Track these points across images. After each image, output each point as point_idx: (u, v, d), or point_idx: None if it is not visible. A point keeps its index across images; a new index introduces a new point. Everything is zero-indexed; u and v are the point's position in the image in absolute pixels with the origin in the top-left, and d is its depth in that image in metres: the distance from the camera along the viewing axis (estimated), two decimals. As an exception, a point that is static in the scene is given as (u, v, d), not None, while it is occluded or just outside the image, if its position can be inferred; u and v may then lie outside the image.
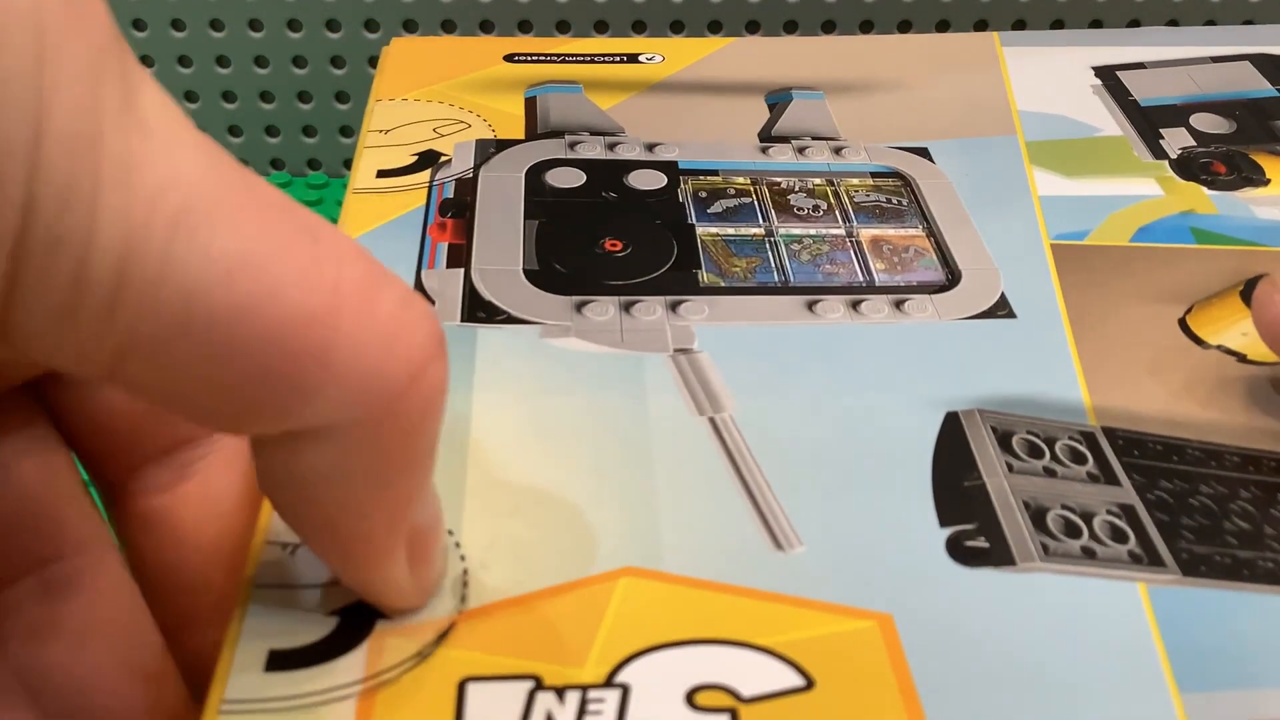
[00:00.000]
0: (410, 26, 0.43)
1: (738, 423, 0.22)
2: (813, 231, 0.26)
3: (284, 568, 0.19)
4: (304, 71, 0.44)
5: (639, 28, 0.44)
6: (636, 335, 0.24)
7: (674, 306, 0.24)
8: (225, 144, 0.45)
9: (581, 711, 0.18)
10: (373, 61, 0.44)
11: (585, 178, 0.27)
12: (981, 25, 0.44)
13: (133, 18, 0.43)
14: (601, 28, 0.44)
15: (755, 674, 0.18)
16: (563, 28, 0.44)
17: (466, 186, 0.27)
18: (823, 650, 0.19)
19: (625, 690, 0.18)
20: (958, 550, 0.20)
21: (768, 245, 0.26)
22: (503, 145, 0.28)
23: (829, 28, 0.44)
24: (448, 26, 0.44)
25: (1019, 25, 0.44)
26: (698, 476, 0.21)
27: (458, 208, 0.26)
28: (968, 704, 0.18)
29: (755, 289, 0.25)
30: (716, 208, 0.27)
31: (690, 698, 0.18)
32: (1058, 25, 0.44)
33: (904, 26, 0.44)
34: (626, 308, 0.24)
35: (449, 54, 0.32)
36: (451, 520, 0.20)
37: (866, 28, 0.44)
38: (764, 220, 0.27)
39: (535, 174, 0.27)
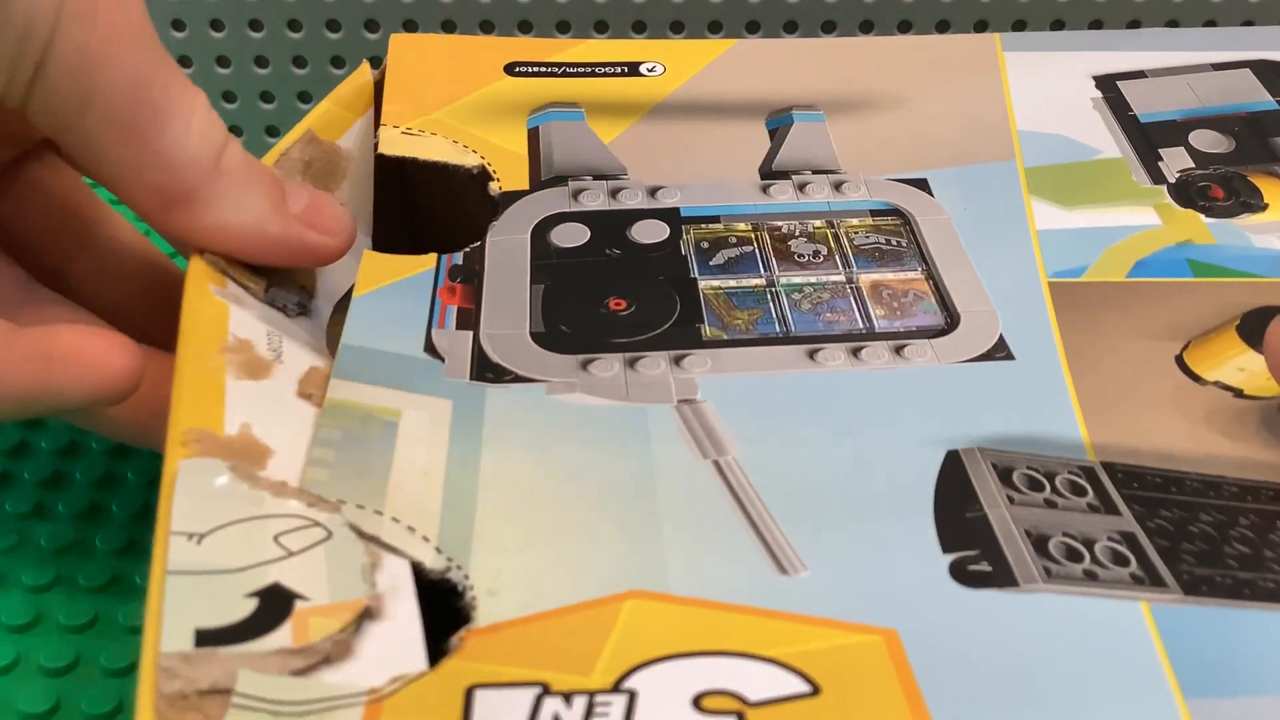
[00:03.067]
0: (410, 27, 0.43)
1: (741, 465, 0.22)
2: (813, 279, 0.27)
3: (194, 555, 0.20)
4: (304, 71, 0.44)
5: (639, 28, 0.44)
6: (641, 388, 0.24)
7: (677, 360, 0.25)
8: (226, 143, 0.45)
9: (589, 715, 0.18)
10: (374, 62, 0.44)
11: (589, 234, 0.28)
12: (982, 26, 0.44)
13: (132, 18, 0.43)
14: (601, 28, 0.44)
15: (762, 681, 0.19)
16: (563, 28, 0.44)
17: (475, 254, 0.27)
18: (829, 660, 0.19)
19: (632, 695, 0.18)
20: (961, 574, 0.21)
21: (769, 296, 0.27)
22: (508, 198, 0.28)
23: (829, 28, 0.44)
24: (448, 26, 0.43)
25: (1019, 26, 0.44)
26: (702, 512, 0.22)
27: (466, 273, 0.27)
28: (974, 710, 0.18)
29: (757, 340, 0.25)
30: (718, 259, 0.27)
31: (697, 702, 0.18)
32: (1058, 26, 0.44)
33: (904, 27, 0.44)
34: (631, 363, 0.25)
35: (450, 61, 0.32)
36: (459, 555, 0.21)
37: (866, 28, 0.44)
38: (765, 270, 0.27)
39: (540, 233, 0.28)
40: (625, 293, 0.26)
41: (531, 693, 0.18)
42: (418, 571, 0.20)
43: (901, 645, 0.19)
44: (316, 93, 0.44)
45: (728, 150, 0.30)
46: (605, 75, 0.32)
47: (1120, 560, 0.21)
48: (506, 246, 0.27)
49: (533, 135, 0.30)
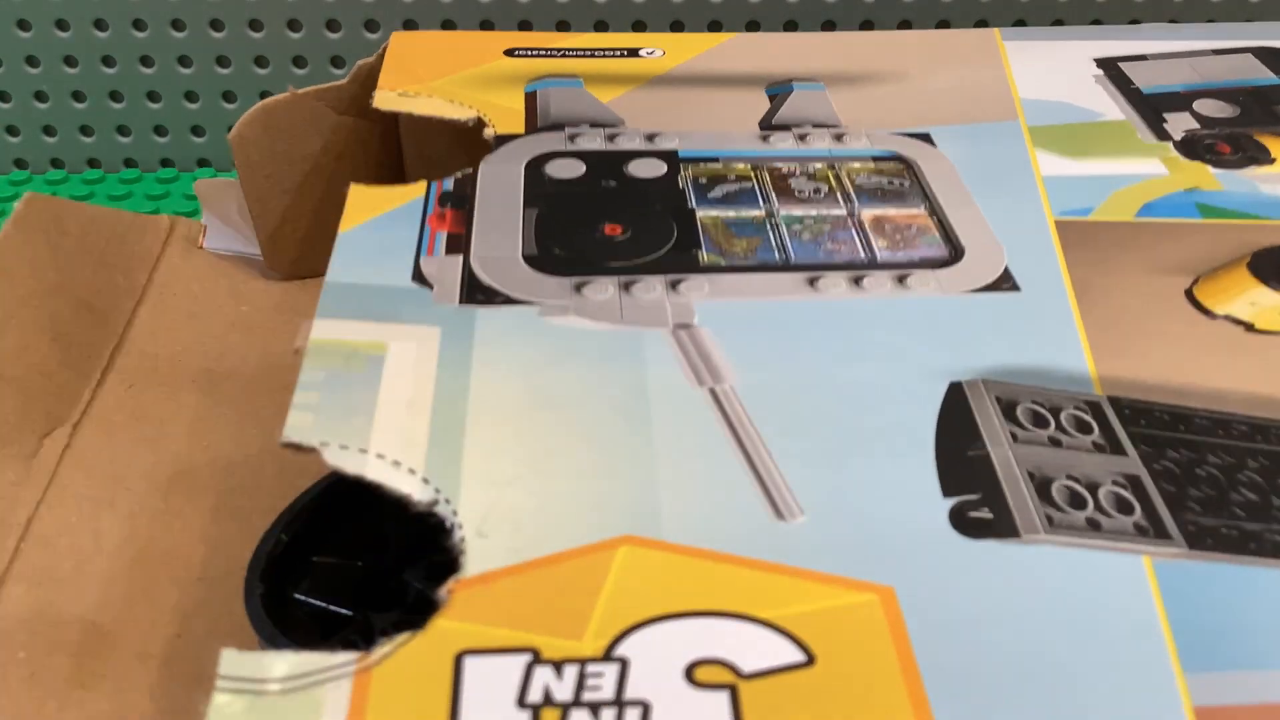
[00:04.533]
0: (410, 26, 0.43)
1: (738, 394, 0.22)
2: (814, 213, 0.26)
3: None
4: (304, 71, 0.44)
5: (639, 27, 0.44)
6: (636, 312, 0.23)
7: (674, 285, 0.24)
8: (224, 144, 0.45)
9: (580, 686, 0.17)
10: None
11: (585, 168, 0.27)
12: (982, 23, 0.44)
13: (133, 18, 0.43)
14: (601, 27, 0.44)
15: (755, 649, 0.18)
16: (562, 27, 0.44)
17: (466, 180, 0.27)
18: (824, 625, 0.18)
19: (624, 664, 0.18)
20: (961, 521, 0.20)
21: (768, 226, 0.26)
22: (502, 140, 0.28)
23: (829, 27, 0.44)
24: (447, 26, 0.43)
25: (1019, 24, 0.44)
26: (698, 445, 0.21)
27: (457, 199, 0.26)
28: (968, 680, 0.18)
29: (756, 266, 0.25)
30: (716, 193, 0.27)
31: (690, 673, 0.18)
32: (1058, 24, 0.44)
33: (904, 26, 0.44)
34: (626, 287, 0.24)
35: (449, 49, 0.32)
36: (447, 488, 0.20)
37: (866, 27, 0.44)
38: (764, 203, 0.27)
39: (535, 166, 0.27)
40: (621, 218, 0.26)
41: (522, 661, 0.18)
42: (405, 505, 0.20)
43: (898, 605, 0.19)
44: (316, 93, 0.44)
45: (727, 109, 0.30)
46: (604, 57, 0.32)
47: (1124, 507, 0.20)
48: (499, 174, 0.27)
49: (530, 99, 0.30)
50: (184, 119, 0.45)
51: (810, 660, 0.18)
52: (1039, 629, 0.18)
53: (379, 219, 0.26)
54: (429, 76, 0.31)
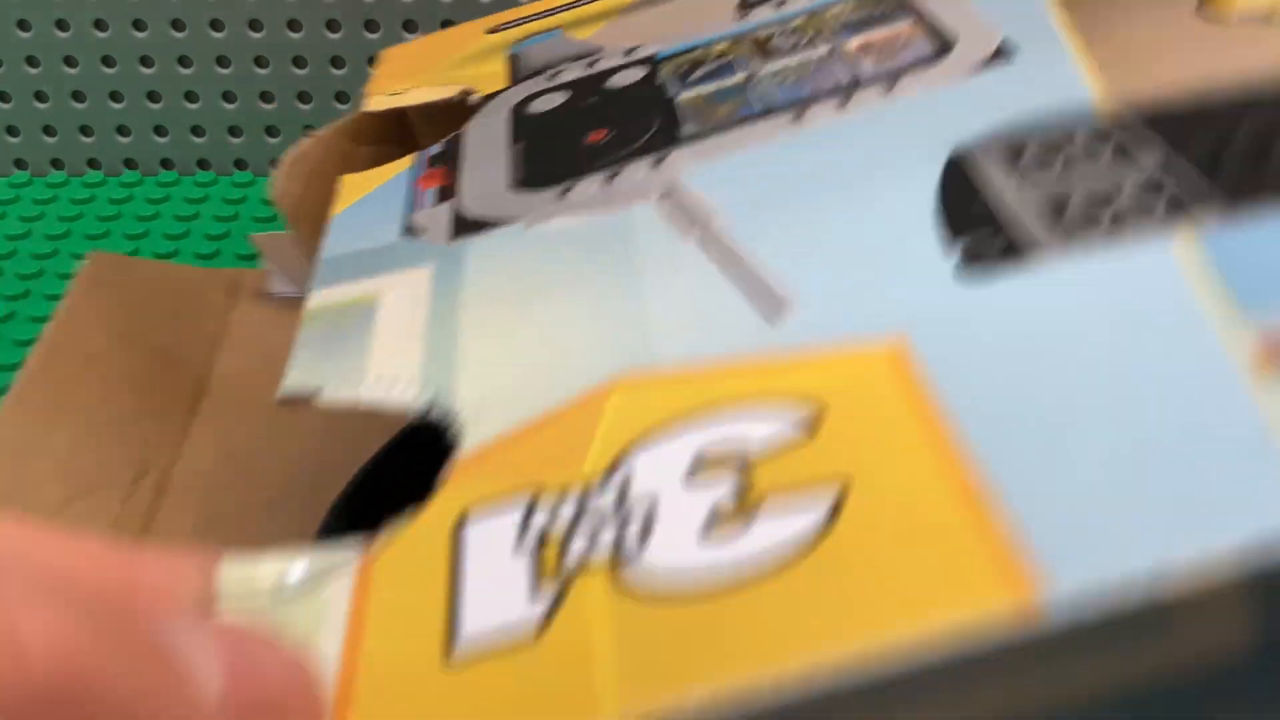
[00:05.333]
0: (410, 27, 0.43)
1: (729, 232, 0.21)
2: (795, 60, 0.25)
3: None
4: (304, 71, 0.44)
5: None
6: (621, 195, 0.23)
7: (657, 163, 0.23)
8: (226, 144, 0.45)
9: (581, 510, 0.16)
10: (373, 61, 0.44)
11: (568, 95, 0.27)
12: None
13: (133, 18, 0.43)
14: (602, 28, 0.44)
15: (759, 431, 0.17)
16: (563, 28, 0.44)
17: (454, 139, 0.27)
18: (831, 389, 0.17)
19: (626, 479, 0.17)
20: (974, 256, 0.18)
21: (748, 86, 0.25)
22: (489, 98, 0.28)
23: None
24: (447, 26, 0.43)
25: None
26: (688, 284, 0.20)
27: (445, 157, 0.26)
28: (1004, 418, 0.16)
29: (738, 121, 0.24)
30: (696, 75, 0.26)
31: (694, 470, 0.17)
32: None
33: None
34: (609, 179, 0.23)
35: (435, 46, 0.32)
36: (442, 392, 0.20)
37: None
38: (744, 69, 0.26)
39: (519, 108, 0.27)
40: (603, 125, 0.25)
41: (521, 505, 0.17)
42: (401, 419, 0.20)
43: (909, 355, 0.17)
44: (316, 93, 0.44)
45: (705, 11, 0.29)
46: (583, 5, 0.32)
47: (1152, 188, 0.18)
48: (486, 125, 0.27)
49: (513, 60, 0.30)
50: (184, 119, 0.45)
51: (818, 425, 0.16)
52: (1075, 351, 0.16)
53: (368, 196, 0.26)
54: (418, 71, 0.31)
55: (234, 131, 0.45)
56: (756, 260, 0.20)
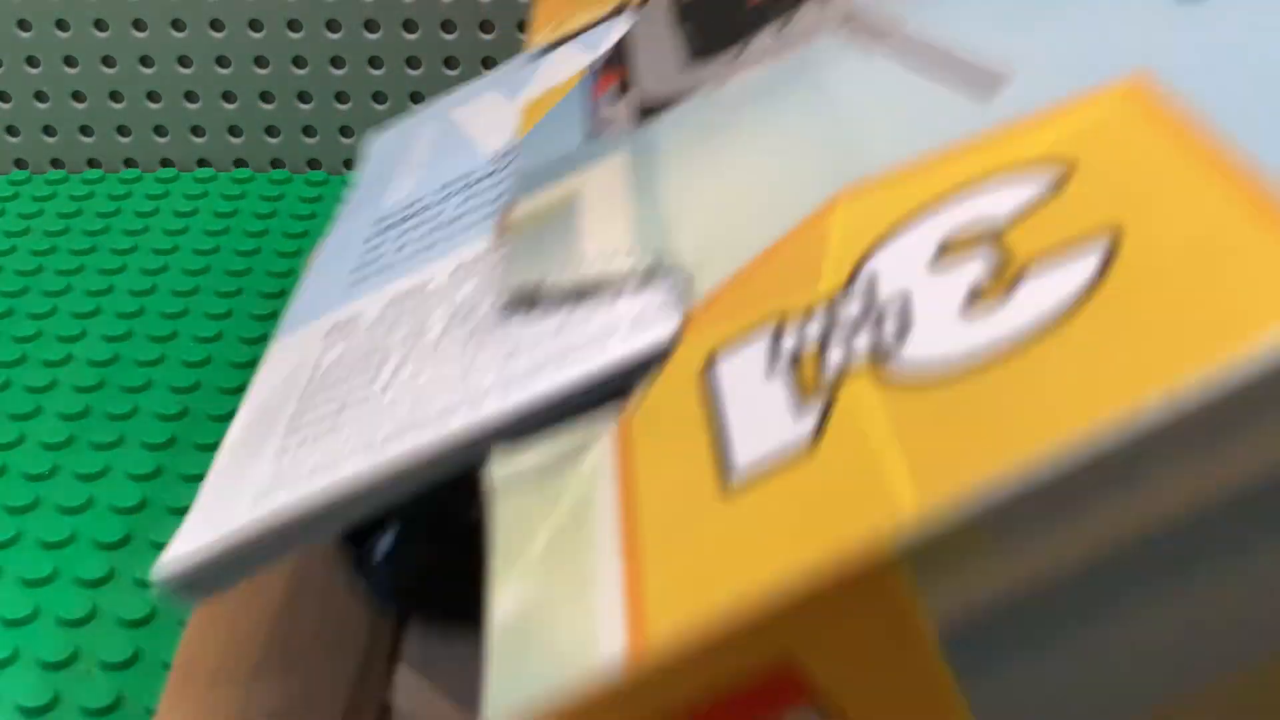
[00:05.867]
0: (410, 27, 0.43)
1: (923, 33, 0.20)
2: None
3: None
4: (304, 71, 0.44)
5: (639, 28, 0.44)
6: (796, 36, 0.22)
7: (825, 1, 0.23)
8: (225, 144, 0.45)
9: (830, 323, 0.16)
10: (373, 61, 0.44)
11: None
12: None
13: (134, 18, 0.43)
14: (601, 28, 0.44)
15: (1004, 201, 0.15)
16: (563, 28, 0.44)
17: (621, 41, 0.27)
18: (1074, 144, 0.15)
19: (870, 282, 0.16)
20: None
21: None
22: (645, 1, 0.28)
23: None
24: (447, 27, 0.43)
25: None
26: (884, 83, 0.19)
27: (616, 59, 0.26)
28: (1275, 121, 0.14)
29: None
30: None
31: (942, 256, 0.15)
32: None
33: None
34: (782, 28, 0.23)
35: None
36: (660, 251, 0.19)
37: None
38: None
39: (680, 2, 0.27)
40: None
41: (766, 334, 0.16)
42: (627, 283, 0.19)
43: (1154, 86, 0.15)
44: (316, 93, 0.44)
45: None
46: None
47: None
48: (648, 19, 0.27)
49: None
50: (184, 119, 0.45)
51: (1069, 180, 0.15)
52: None
53: (548, 115, 0.26)
54: (575, 4, 0.31)
55: (234, 131, 0.45)
56: (961, 48, 0.19)
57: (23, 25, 0.44)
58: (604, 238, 0.20)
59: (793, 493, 0.14)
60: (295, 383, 0.23)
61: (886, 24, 0.20)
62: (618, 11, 0.29)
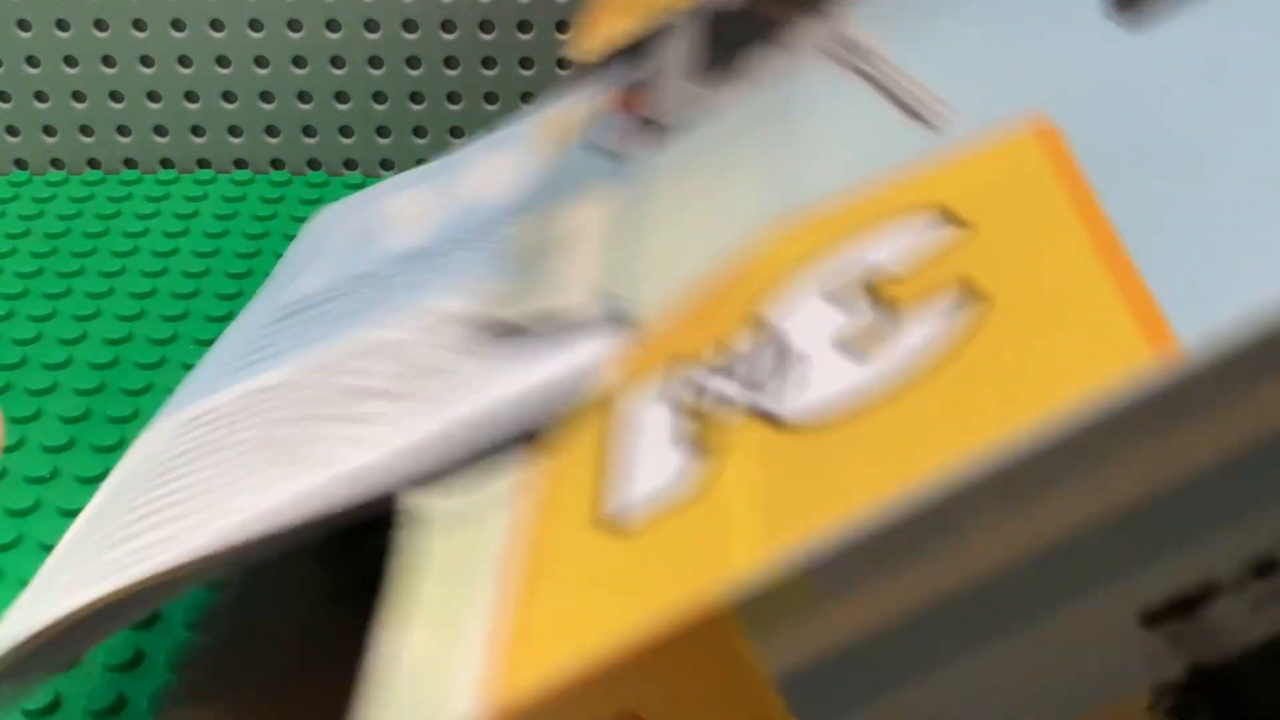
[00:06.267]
0: (410, 27, 0.43)
1: (880, 57, 0.20)
2: None
3: None
4: (304, 71, 0.44)
5: (639, 28, 0.44)
6: (793, 57, 0.22)
7: (826, 18, 0.22)
8: (225, 144, 0.45)
9: (728, 365, 0.16)
10: (373, 61, 0.44)
11: None
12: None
13: (134, 18, 0.43)
14: (602, 28, 0.44)
15: (892, 245, 0.16)
16: (561, 28, 0.44)
17: (652, 61, 0.26)
18: (975, 195, 0.16)
19: (767, 323, 0.16)
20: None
21: None
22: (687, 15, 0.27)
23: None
24: (448, 27, 0.43)
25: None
26: (838, 107, 0.19)
27: (644, 80, 0.26)
28: (1149, 191, 0.14)
29: None
30: None
31: (826, 302, 0.16)
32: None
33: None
34: (787, 48, 0.23)
35: None
36: (619, 279, 0.20)
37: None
38: None
39: (710, 11, 0.26)
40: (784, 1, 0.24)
41: (671, 374, 0.16)
42: (572, 323, 0.19)
43: (1055, 133, 0.15)
44: (316, 93, 0.44)
45: None
46: None
47: None
48: (680, 37, 0.26)
49: None
50: (184, 119, 0.45)
51: (948, 227, 0.15)
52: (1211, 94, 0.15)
53: (579, 135, 0.26)
54: (629, 10, 0.30)
55: (234, 131, 0.45)
56: (906, 78, 0.19)
57: (23, 25, 0.44)
58: (572, 277, 0.21)
59: (656, 540, 0.14)
60: (143, 471, 0.23)
61: (857, 44, 0.21)
62: (658, 30, 0.28)
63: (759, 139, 0.21)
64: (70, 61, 0.44)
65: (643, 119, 0.25)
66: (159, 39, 0.44)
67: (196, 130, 0.45)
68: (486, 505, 0.17)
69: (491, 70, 0.44)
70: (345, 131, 0.45)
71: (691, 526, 0.14)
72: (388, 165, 0.46)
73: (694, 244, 0.19)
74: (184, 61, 0.44)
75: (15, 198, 0.43)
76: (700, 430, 0.15)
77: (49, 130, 0.45)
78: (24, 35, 0.44)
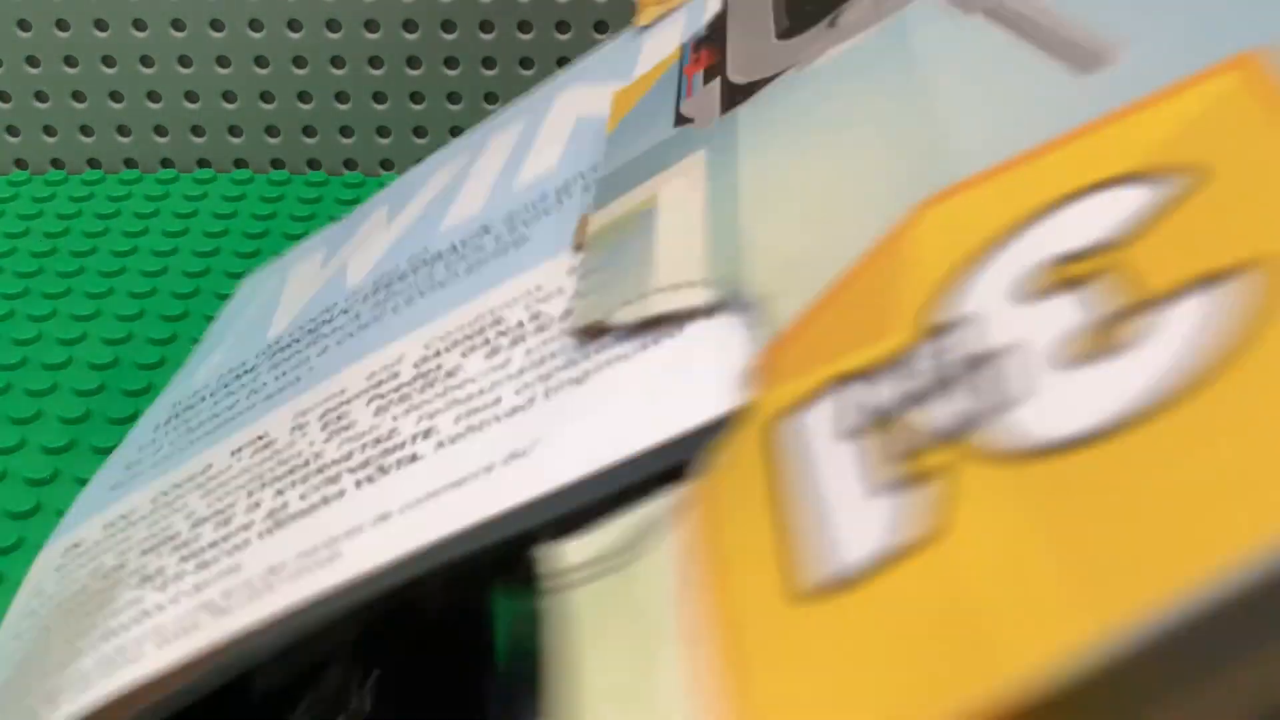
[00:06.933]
0: (410, 27, 0.43)
1: None
2: None
3: None
4: (304, 71, 0.44)
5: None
6: (892, 2, 0.20)
7: None
8: (225, 144, 0.45)
9: (910, 382, 0.13)
10: (373, 61, 0.44)
11: None
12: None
13: (134, 17, 0.43)
14: (601, 28, 0.44)
15: (1118, 209, 0.13)
16: (562, 28, 0.44)
17: (718, 17, 0.25)
18: (1189, 143, 0.13)
19: (956, 323, 0.13)
20: None
21: None
22: None
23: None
24: (448, 27, 0.43)
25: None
26: (977, 58, 0.17)
27: (711, 38, 0.24)
28: None
29: None
30: None
31: (1047, 284, 0.13)
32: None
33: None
34: None
35: None
36: (731, 281, 0.17)
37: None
38: None
39: None
40: None
41: (841, 391, 0.13)
42: (693, 316, 0.17)
43: (1264, 68, 0.13)
44: (316, 93, 0.44)
45: None
46: None
47: None
48: None
49: None
50: (184, 119, 0.45)
51: (1191, 185, 0.12)
52: None
53: (640, 101, 0.24)
54: None
55: (234, 131, 0.45)
56: (1059, 17, 0.16)
57: (23, 25, 0.43)
58: (676, 265, 0.18)
59: (894, 610, 0.11)
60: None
61: None
62: None
63: (879, 99, 0.18)
64: (70, 61, 0.44)
65: (718, 79, 0.22)
66: (159, 39, 0.44)
67: (196, 130, 0.45)
68: (645, 561, 0.14)
69: (492, 70, 0.44)
70: (345, 131, 0.45)
71: (942, 593, 0.11)
72: (388, 165, 0.46)
73: (818, 223, 0.16)
74: (184, 61, 0.44)
75: (15, 197, 0.43)
76: (902, 468, 0.12)
77: (49, 130, 0.45)
78: (24, 35, 0.44)
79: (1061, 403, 0.11)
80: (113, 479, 0.24)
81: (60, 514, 0.30)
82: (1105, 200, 0.13)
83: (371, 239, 0.28)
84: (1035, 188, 0.14)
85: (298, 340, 0.25)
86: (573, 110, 0.28)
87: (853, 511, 0.12)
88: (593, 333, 0.18)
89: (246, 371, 0.25)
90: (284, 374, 0.24)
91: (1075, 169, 0.14)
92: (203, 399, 0.25)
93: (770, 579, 0.12)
